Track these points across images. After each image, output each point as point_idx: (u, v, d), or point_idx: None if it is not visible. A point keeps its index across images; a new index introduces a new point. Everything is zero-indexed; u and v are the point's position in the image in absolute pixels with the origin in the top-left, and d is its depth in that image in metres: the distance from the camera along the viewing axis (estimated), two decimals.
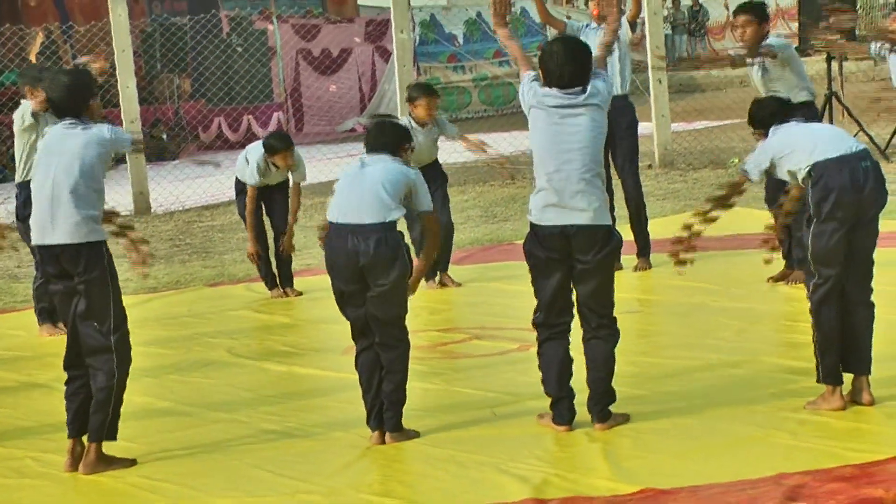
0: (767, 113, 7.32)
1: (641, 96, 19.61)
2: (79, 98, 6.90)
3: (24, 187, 9.70)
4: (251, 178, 10.90)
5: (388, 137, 7.19)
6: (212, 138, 26.20)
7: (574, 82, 6.78)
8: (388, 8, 19.19)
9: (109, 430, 6.80)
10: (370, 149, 7.16)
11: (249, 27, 26.80)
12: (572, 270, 6.84)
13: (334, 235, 7.00)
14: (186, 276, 12.65)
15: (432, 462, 6.58)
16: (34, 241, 6.92)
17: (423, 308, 10.06)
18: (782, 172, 7.07)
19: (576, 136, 6.79)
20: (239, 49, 26.17)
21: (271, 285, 11.26)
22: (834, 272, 6.89)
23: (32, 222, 6.89)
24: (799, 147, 6.96)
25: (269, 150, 10.84)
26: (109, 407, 6.76)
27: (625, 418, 6.93)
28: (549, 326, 6.90)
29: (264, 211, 11.19)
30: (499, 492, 6.06)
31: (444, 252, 11.24)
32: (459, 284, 11.22)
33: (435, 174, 11.02)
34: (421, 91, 11.15)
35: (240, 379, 8.64)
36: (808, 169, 6.90)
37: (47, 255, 6.84)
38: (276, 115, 27.01)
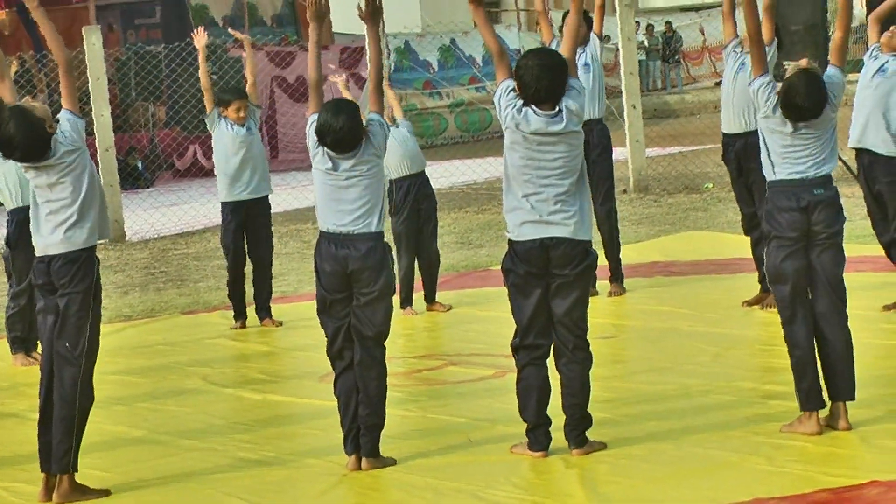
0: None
1: (616, 121, 19.64)
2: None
3: (17, 213, 9.66)
4: (213, 125, 11.02)
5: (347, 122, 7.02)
6: (187, 166, 26.17)
7: (549, 97, 6.78)
8: (363, 35, 19.18)
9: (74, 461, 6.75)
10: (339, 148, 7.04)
11: (224, 55, 26.79)
12: (549, 288, 6.84)
13: (323, 242, 6.99)
14: (161, 305, 12.61)
15: (409, 490, 6.56)
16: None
17: (399, 334, 10.03)
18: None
19: (555, 163, 6.79)
20: (214, 77, 26.14)
21: (239, 316, 11.15)
22: (787, 289, 6.94)
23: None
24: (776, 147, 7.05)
25: (221, 103, 10.97)
26: (72, 438, 6.72)
27: (601, 445, 6.92)
28: (529, 350, 6.88)
29: (245, 240, 11.09)
30: None
31: (429, 282, 11.24)
32: (449, 307, 11.22)
33: (428, 192, 11.15)
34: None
35: (215, 407, 8.60)
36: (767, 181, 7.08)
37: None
38: None
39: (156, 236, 17.62)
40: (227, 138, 10.88)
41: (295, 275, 13.53)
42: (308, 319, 10.23)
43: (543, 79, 6.76)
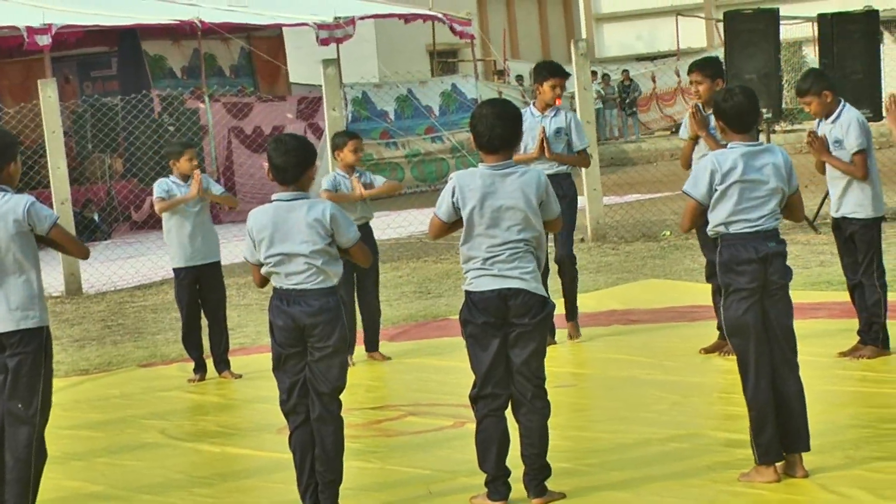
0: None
1: (573, 170, 19.70)
2: None
3: None
4: (161, 191, 11.15)
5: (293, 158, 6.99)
6: (144, 217, 26.08)
7: (502, 146, 6.86)
8: (320, 86, 19.25)
9: None
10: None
11: (181, 106, 26.77)
12: (507, 338, 6.86)
13: (276, 298, 6.97)
14: (118, 357, 12.55)
15: None
16: None
17: (357, 385, 10.02)
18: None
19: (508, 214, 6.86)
20: (171, 128, 26.11)
21: (198, 369, 11.13)
22: (748, 343, 6.98)
23: None
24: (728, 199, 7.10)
25: (173, 155, 11.16)
26: (28, 499, 6.68)
27: (560, 495, 6.92)
28: (487, 400, 6.88)
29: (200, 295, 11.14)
30: None
31: (372, 331, 11.26)
32: (388, 358, 11.22)
33: (370, 243, 11.01)
34: (346, 136, 11.39)
35: (173, 461, 8.55)
36: (718, 236, 7.14)
37: None
38: None
39: (113, 289, 17.55)
40: (179, 209, 11.07)
41: (253, 326, 13.50)
42: (266, 371, 10.21)
43: (497, 127, 6.80)
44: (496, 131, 6.81)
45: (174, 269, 11.15)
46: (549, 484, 6.92)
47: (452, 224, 7.02)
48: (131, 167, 26.15)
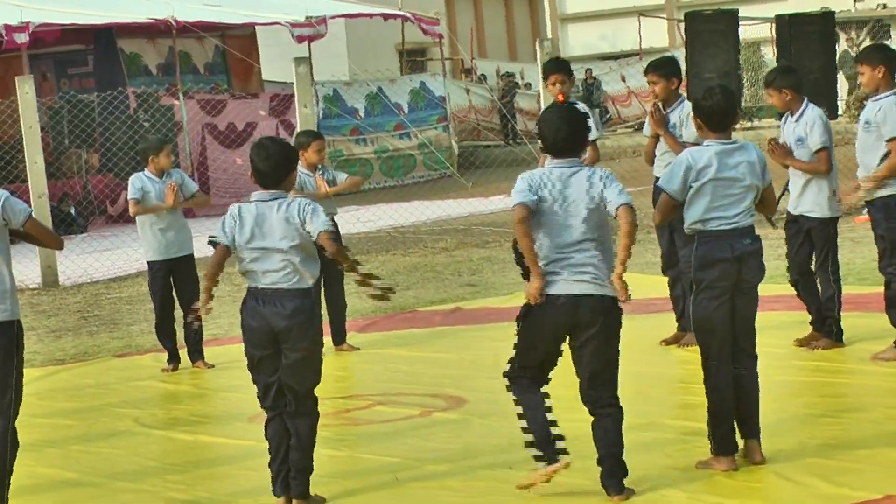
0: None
1: (534, 164, 19.71)
2: None
3: None
4: (135, 191, 10.98)
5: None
6: (119, 212, 26.00)
7: (567, 148, 6.77)
8: (292, 83, 19.21)
9: None
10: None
11: (156, 103, 26.68)
12: (573, 342, 6.79)
13: (250, 298, 6.94)
14: (94, 348, 12.51)
15: None
16: None
17: (326, 375, 9.94)
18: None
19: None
20: (146, 124, 26.03)
21: (172, 359, 11.09)
22: (715, 339, 6.99)
23: None
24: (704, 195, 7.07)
25: (153, 151, 11.02)
26: (2, 488, 6.66)
27: (630, 492, 6.76)
28: (528, 373, 6.89)
29: (173, 287, 11.08)
30: None
31: (339, 324, 11.24)
32: (357, 348, 11.22)
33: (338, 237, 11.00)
34: (310, 136, 11.34)
35: (146, 448, 8.53)
36: (694, 234, 7.06)
37: None
38: None
39: (89, 281, 17.48)
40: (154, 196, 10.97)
41: (226, 317, 13.46)
42: (238, 360, 10.20)
43: (561, 131, 6.76)
44: (560, 135, 6.74)
45: (148, 262, 11.13)
46: (513, 470, 6.92)
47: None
48: (107, 162, 26.05)
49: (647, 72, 10.60)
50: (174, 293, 11.09)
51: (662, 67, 10.49)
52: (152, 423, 9.28)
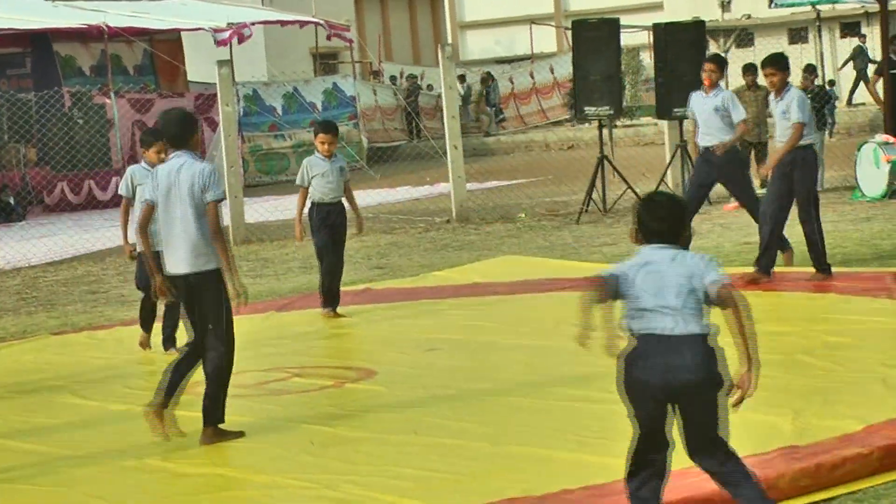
0: None
1: (441, 159, 19.76)
2: None
3: None
4: (123, 187, 10.07)
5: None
6: (55, 201, 25.72)
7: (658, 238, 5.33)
8: (215, 84, 19.07)
9: None
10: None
11: (89, 101, 26.43)
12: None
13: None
14: (33, 327, 12.33)
15: (257, 488, 6.50)
16: None
17: (248, 350, 9.97)
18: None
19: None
20: (80, 121, 25.77)
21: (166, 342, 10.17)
22: None
23: None
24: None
25: (143, 143, 10.07)
26: None
27: None
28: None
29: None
30: None
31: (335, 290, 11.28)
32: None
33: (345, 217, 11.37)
34: (319, 128, 11.36)
35: (81, 417, 8.41)
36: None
37: None
38: (114, 179, 26.54)
39: (27, 265, 17.24)
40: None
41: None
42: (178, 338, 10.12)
43: (653, 223, 5.32)
44: (652, 226, 5.30)
45: (139, 254, 9.98)
46: (411, 435, 6.90)
47: None
48: (44, 156, 25.79)
49: (763, 66, 11.23)
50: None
51: (779, 62, 11.19)
52: (87, 395, 9.16)
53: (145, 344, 10.35)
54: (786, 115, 11.02)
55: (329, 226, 11.27)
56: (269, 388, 8.90)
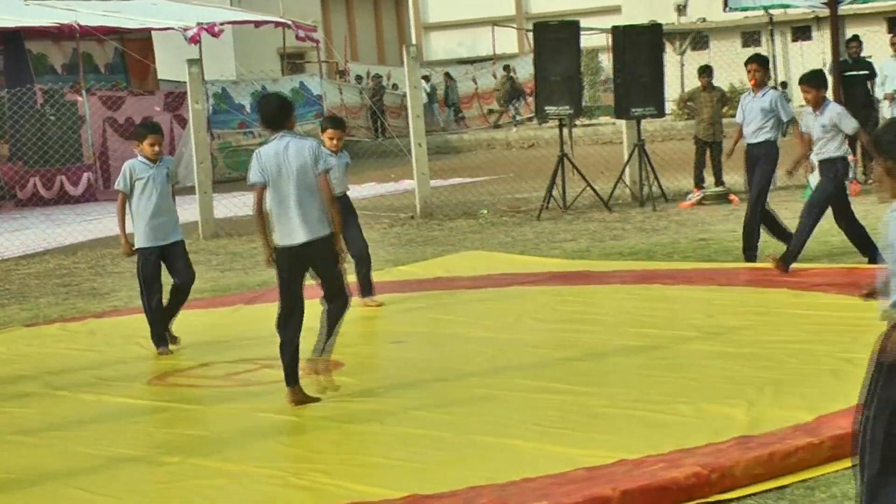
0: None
1: (405, 157, 19.74)
2: None
3: None
4: (122, 183, 9.71)
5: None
6: (28, 196, 25.55)
7: None
8: (185, 82, 18.98)
9: None
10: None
11: (61, 99, 26.27)
12: None
13: None
14: (5, 318, 12.24)
15: (226, 476, 6.47)
16: None
17: (218, 342, 9.93)
18: None
19: None
20: (52, 118, 25.61)
21: (160, 342, 9.77)
22: None
23: None
24: None
25: (137, 137, 9.75)
26: None
27: None
28: None
29: (166, 269, 9.89)
30: (285, 501, 6.00)
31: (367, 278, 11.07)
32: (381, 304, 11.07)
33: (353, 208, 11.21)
34: (328, 123, 11.13)
35: (54, 409, 8.36)
36: None
37: None
38: (85, 175, 26.45)
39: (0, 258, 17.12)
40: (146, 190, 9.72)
41: (126, 291, 13.27)
42: (142, 331, 10.08)
43: None
44: None
45: (138, 249, 9.75)
46: (390, 424, 6.89)
47: None
48: (17, 152, 25.60)
49: (801, 82, 11.41)
50: (169, 276, 9.90)
51: (815, 79, 11.33)
52: (59, 385, 9.10)
53: (165, 353, 9.70)
54: (826, 129, 11.18)
55: None
56: (239, 379, 8.87)
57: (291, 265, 7.73)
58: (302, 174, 7.68)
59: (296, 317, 7.74)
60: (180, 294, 9.98)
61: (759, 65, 12.41)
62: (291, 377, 7.76)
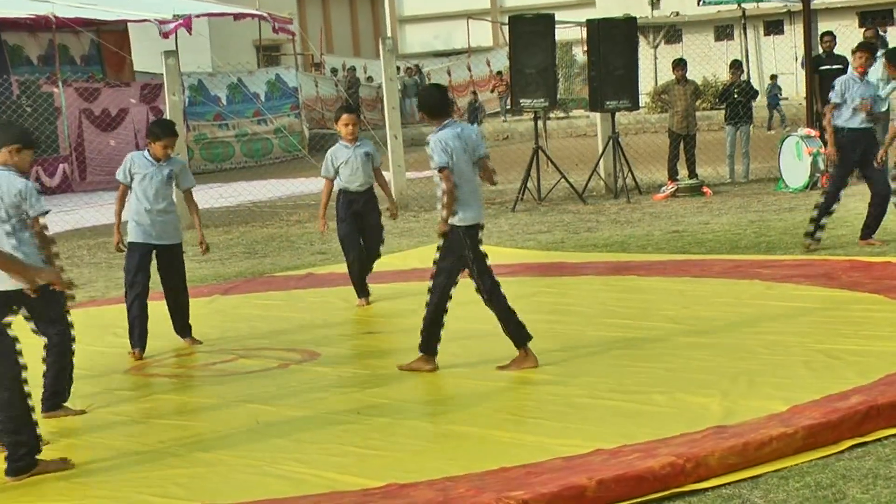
0: None
1: (381, 149, 19.68)
2: None
3: None
4: (121, 173, 9.46)
5: None
6: None
7: None
8: (161, 74, 18.90)
9: None
10: None
11: (37, 90, 26.13)
12: None
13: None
14: None
15: (204, 465, 6.45)
16: None
17: (195, 333, 9.89)
18: None
19: None
20: (28, 109, 25.46)
21: (135, 342, 9.27)
22: None
23: None
24: None
25: (151, 135, 9.34)
26: None
27: None
28: None
29: (161, 274, 9.56)
30: (262, 490, 5.98)
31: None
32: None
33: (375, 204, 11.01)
34: (341, 111, 11.00)
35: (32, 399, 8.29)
36: None
37: None
38: (62, 166, 26.31)
39: None
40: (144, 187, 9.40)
41: (103, 282, 13.22)
42: (118, 320, 10.03)
43: None
44: None
45: (130, 243, 9.40)
46: (367, 414, 6.87)
47: None
48: None
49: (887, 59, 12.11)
50: (161, 281, 9.54)
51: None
52: (36, 376, 9.01)
53: (138, 357, 9.23)
54: None
55: (354, 213, 10.73)
56: (216, 369, 8.84)
57: (466, 244, 8.29)
58: (472, 155, 8.20)
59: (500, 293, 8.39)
60: (178, 297, 9.56)
61: (871, 52, 12.58)
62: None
